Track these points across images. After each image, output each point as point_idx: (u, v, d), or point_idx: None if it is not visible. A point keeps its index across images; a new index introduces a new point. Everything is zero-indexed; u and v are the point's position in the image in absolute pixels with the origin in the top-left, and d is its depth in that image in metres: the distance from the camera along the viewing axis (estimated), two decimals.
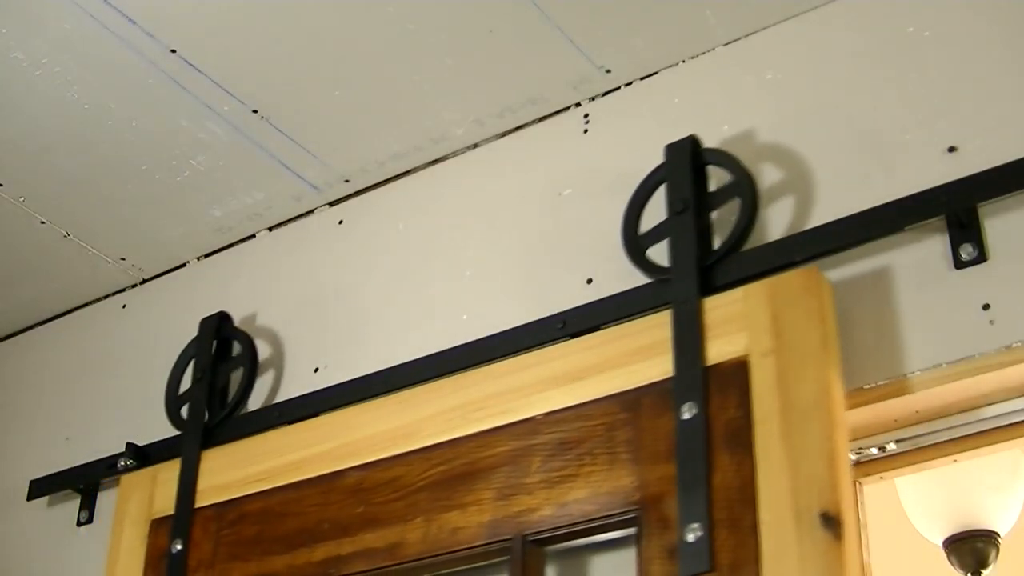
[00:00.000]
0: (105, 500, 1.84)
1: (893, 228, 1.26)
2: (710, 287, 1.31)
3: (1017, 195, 1.22)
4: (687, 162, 1.39)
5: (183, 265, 1.99)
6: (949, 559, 2.04)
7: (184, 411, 1.72)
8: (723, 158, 1.38)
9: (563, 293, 1.49)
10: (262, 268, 1.86)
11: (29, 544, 1.90)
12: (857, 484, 1.35)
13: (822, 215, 1.34)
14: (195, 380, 1.71)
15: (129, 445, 1.78)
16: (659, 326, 1.30)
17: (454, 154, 1.73)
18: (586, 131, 1.61)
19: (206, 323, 1.76)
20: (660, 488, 1.22)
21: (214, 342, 1.74)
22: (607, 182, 1.54)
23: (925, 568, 2.26)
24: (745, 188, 1.34)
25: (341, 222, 1.81)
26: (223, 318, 1.76)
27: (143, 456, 1.77)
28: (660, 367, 1.28)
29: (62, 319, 2.11)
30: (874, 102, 1.37)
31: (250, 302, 1.83)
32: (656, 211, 1.40)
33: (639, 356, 1.30)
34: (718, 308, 1.27)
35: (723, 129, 1.48)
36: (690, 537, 1.17)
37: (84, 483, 1.84)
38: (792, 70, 1.45)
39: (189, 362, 1.75)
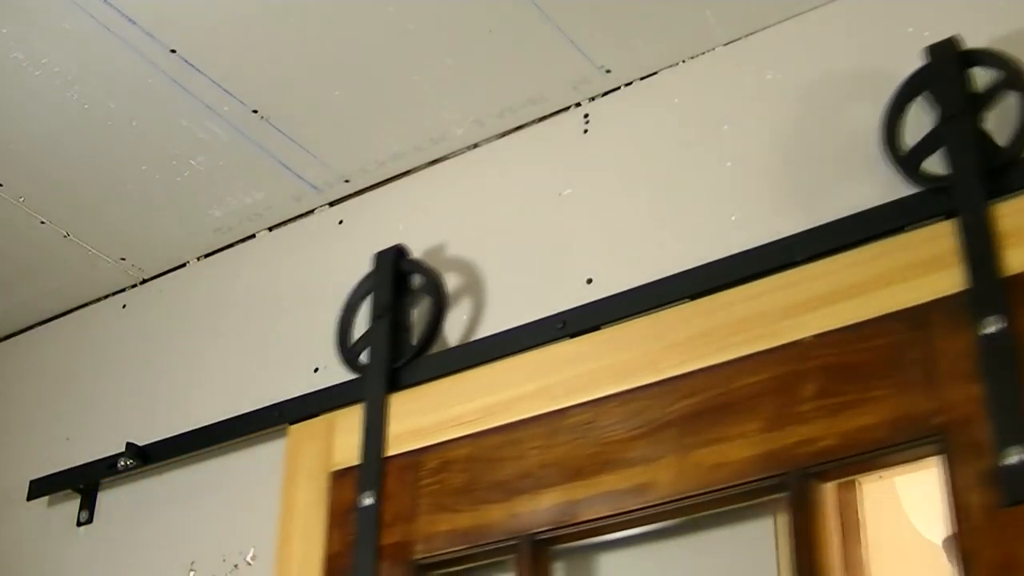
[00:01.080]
0: (105, 500, 1.84)
1: None
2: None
3: None
4: None
5: (183, 265, 1.99)
6: (949, 558, 2.04)
7: (362, 353, 1.58)
8: None
9: (563, 293, 1.49)
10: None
11: (29, 544, 1.90)
12: (857, 484, 1.35)
13: None
14: (375, 318, 1.56)
15: (129, 445, 1.78)
16: (940, 237, 1.20)
17: (454, 154, 1.73)
18: (586, 131, 1.61)
19: (383, 256, 1.61)
20: (966, 410, 1.12)
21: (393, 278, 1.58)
22: (607, 182, 1.54)
23: (925, 568, 2.26)
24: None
25: (341, 222, 1.81)
26: (400, 252, 1.61)
27: (143, 456, 1.77)
28: (948, 280, 1.17)
29: (62, 319, 2.11)
30: (874, 102, 1.37)
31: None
32: (919, 122, 1.30)
33: (921, 270, 1.19)
34: (1009, 216, 1.17)
35: (723, 129, 1.48)
36: (1011, 461, 1.08)
37: (84, 483, 1.85)
38: (792, 70, 1.46)
39: (361, 301, 1.62)
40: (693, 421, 1.25)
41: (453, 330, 1.57)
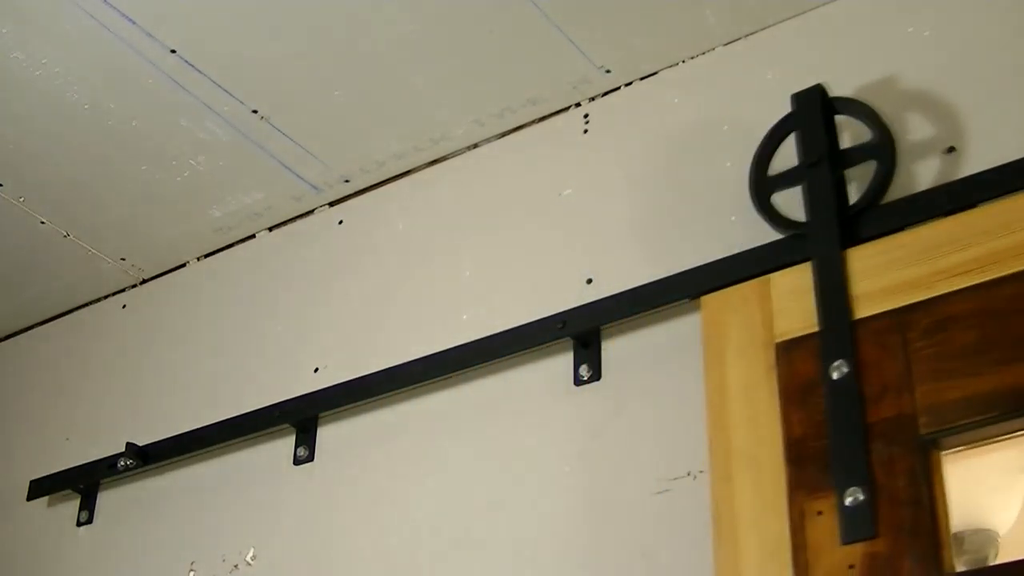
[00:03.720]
0: (105, 500, 1.84)
1: None
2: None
3: None
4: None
5: (183, 265, 1.99)
6: None
7: (793, 203, 1.36)
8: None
9: (563, 293, 1.49)
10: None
11: (29, 544, 1.90)
12: None
13: None
14: (808, 165, 1.33)
15: (129, 445, 1.78)
16: None
17: (454, 154, 1.73)
18: (586, 131, 1.61)
19: (806, 96, 1.37)
20: None
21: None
22: (607, 182, 1.54)
23: None
24: None
25: (341, 222, 1.81)
26: (823, 92, 1.38)
27: (143, 456, 1.77)
28: None
29: (62, 319, 2.11)
30: (873, 101, 1.37)
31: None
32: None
33: None
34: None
35: (723, 129, 1.48)
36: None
37: (84, 483, 1.84)
38: (792, 70, 1.45)
39: (776, 148, 1.39)
40: None
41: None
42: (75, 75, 1.63)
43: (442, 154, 1.74)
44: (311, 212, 1.86)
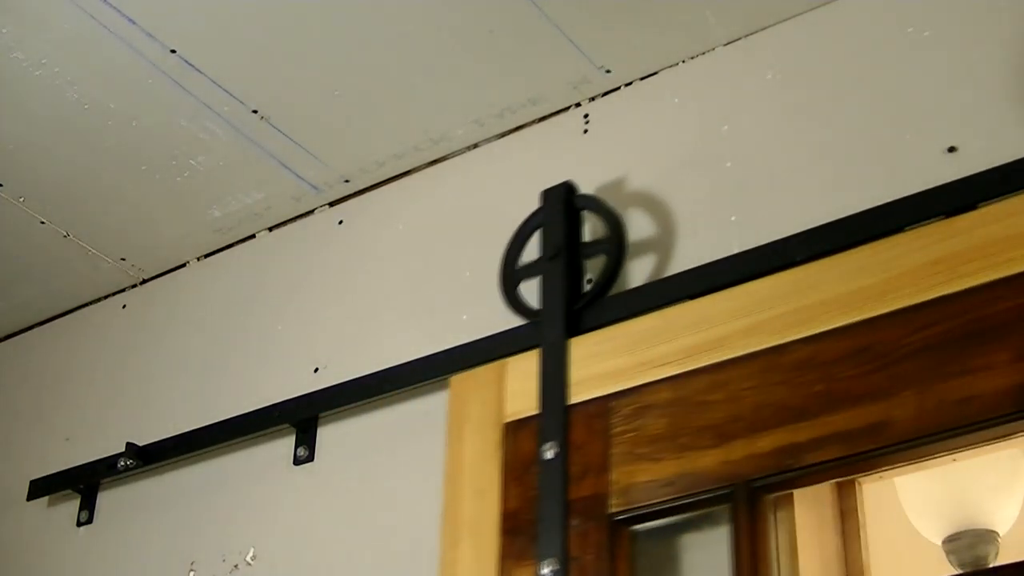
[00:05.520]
0: (105, 500, 1.84)
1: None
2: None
3: None
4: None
5: (183, 265, 1.99)
6: (948, 558, 2.04)
7: (533, 296, 1.47)
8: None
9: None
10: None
11: (29, 544, 1.90)
12: (857, 484, 1.34)
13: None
14: (548, 258, 1.45)
15: (129, 445, 1.78)
16: None
17: (454, 154, 1.73)
18: (586, 131, 1.61)
19: (552, 194, 1.50)
20: None
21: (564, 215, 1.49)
22: (607, 182, 1.54)
23: (925, 568, 2.26)
24: None
25: (341, 222, 1.81)
26: (570, 188, 1.50)
27: (143, 456, 1.77)
28: None
29: (62, 319, 2.12)
30: (873, 102, 1.37)
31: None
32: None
33: None
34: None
35: (723, 129, 1.48)
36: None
37: (84, 483, 1.85)
38: (792, 70, 1.46)
39: (526, 241, 1.52)
40: (932, 354, 1.15)
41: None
42: (75, 75, 1.63)
43: (442, 154, 1.74)
44: (311, 212, 1.86)
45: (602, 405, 1.33)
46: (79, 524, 1.85)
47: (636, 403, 1.31)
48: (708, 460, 1.23)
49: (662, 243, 1.46)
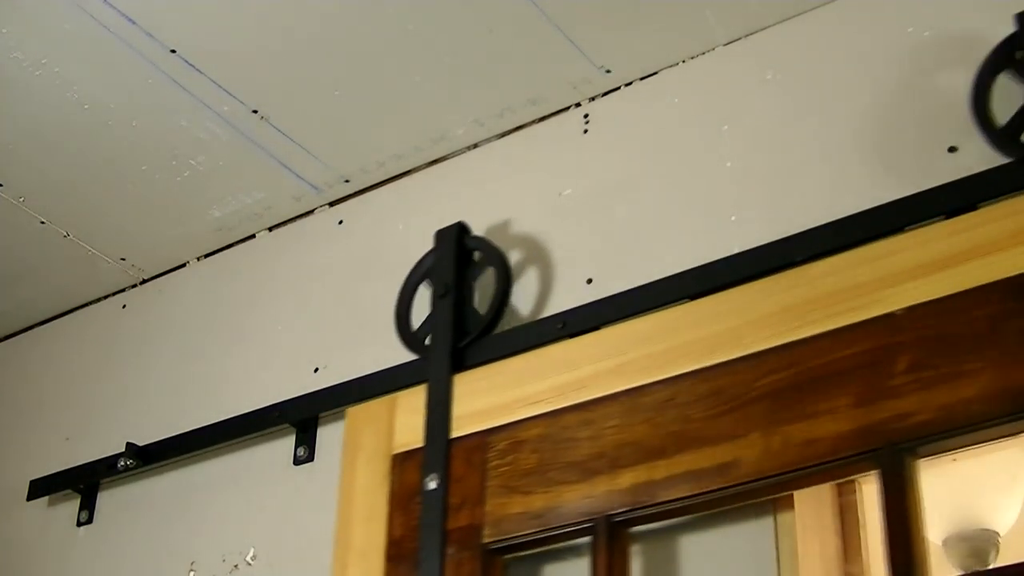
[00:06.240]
0: (105, 500, 1.84)
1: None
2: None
3: None
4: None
5: (183, 265, 1.99)
6: (948, 558, 2.04)
7: (423, 333, 1.54)
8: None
9: (563, 293, 1.49)
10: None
11: (29, 544, 1.90)
12: (857, 484, 1.34)
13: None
14: (438, 297, 1.52)
15: (129, 445, 1.78)
16: None
17: (454, 154, 1.73)
18: (586, 131, 1.61)
19: (444, 234, 1.56)
20: None
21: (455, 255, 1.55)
22: (607, 182, 1.54)
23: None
24: None
25: (341, 222, 1.81)
26: (462, 229, 1.56)
27: (143, 456, 1.77)
28: None
29: (62, 319, 2.12)
30: (872, 102, 1.37)
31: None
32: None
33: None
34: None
35: (723, 129, 1.48)
36: None
37: (84, 483, 1.85)
38: (792, 70, 1.46)
39: (420, 280, 1.58)
40: (782, 397, 1.20)
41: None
42: (75, 75, 1.63)
43: (442, 154, 1.74)
44: (311, 212, 1.86)
45: (481, 439, 1.39)
46: (79, 524, 1.85)
47: (511, 438, 1.37)
48: (573, 495, 1.30)
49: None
